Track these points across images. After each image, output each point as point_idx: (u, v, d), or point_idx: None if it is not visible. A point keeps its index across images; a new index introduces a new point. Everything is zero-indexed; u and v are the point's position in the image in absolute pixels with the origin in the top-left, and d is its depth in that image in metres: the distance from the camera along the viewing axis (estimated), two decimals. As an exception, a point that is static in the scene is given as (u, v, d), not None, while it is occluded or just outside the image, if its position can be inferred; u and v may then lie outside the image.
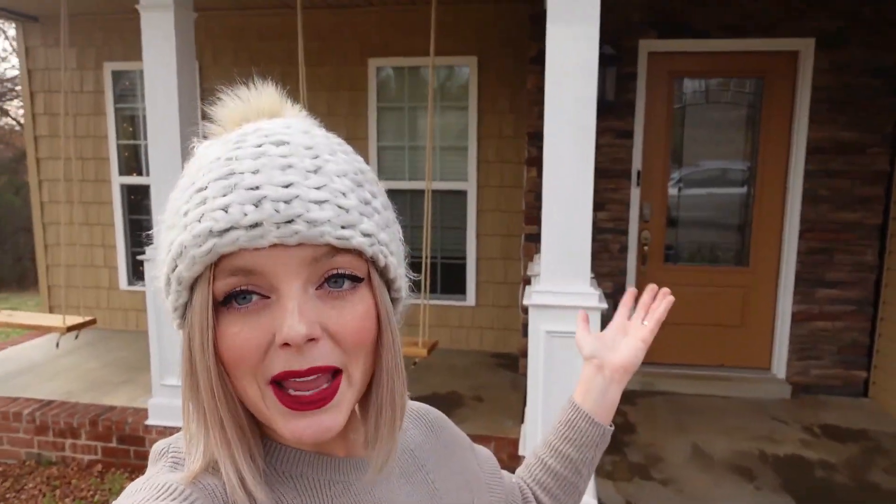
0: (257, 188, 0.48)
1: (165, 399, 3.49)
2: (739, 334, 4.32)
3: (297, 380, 0.49)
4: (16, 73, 13.35)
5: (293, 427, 0.50)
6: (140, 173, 5.21)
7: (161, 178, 3.26)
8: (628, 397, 4.09)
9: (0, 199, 11.37)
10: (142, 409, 3.67)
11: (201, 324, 0.49)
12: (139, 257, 4.01)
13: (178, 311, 0.52)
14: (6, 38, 13.25)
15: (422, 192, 4.16)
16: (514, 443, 3.31)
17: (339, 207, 0.50)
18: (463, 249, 4.87)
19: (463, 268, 4.89)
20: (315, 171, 0.50)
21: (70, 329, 4.00)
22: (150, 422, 3.55)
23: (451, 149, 4.81)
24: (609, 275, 4.25)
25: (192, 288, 0.50)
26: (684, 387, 4.20)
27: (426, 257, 3.71)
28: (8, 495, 3.39)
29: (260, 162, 0.49)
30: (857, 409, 3.98)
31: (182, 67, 3.21)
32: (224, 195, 0.48)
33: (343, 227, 0.49)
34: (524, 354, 3.97)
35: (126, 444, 3.60)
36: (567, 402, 0.89)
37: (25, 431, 3.69)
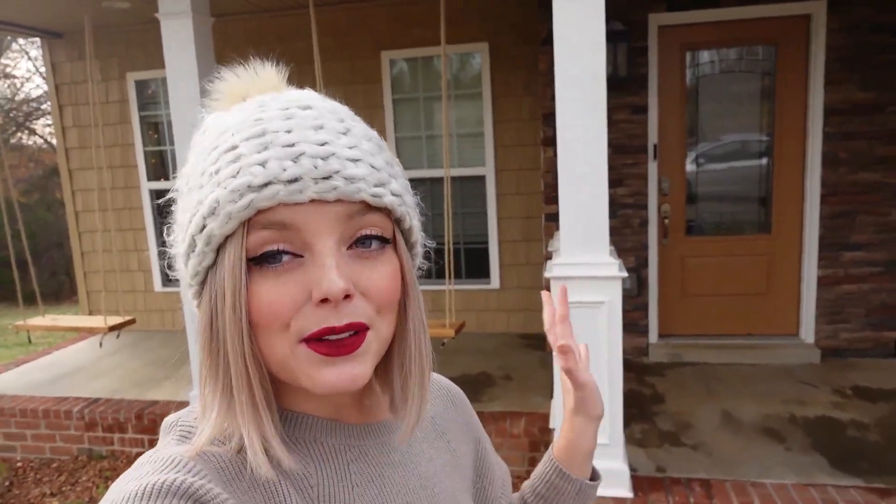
0: (293, 145, 0.48)
1: (206, 391, 3.61)
2: (765, 302, 4.33)
3: (332, 336, 0.49)
4: (40, 92, 13.74)
5: (324, 376, 0.49)
6: (167, 178, 5.37)
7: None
8: (656, 369, 4.14)
9: (33, 215, 11.71)
10: (184, 402, 3.82)
11: (234, 282, 0.48)
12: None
13: (198, 275, 0.51)
14: (29, 59, 13.63)
15: (441, 179, 4.23)
16: (545, 417, 3.38)
17: (372, 167, 0.51)
18: (485, 234, 4.94)
19: (486, 252, 4.96)
20: (345, 133, 0.51)
21: (112, 329, 4.17)
22: (192, 413, 3.69)
23: (467, 135, 4.88)
24: (632, 249, 4.28)
25: (218, 249, 0.49)
26: (712, 356, 4.22)
27: (449, 243, 3.78)
28: (64, 488, 3.57)
29: (292, 122, 0.50)
30: (888, 369, 3.96)
31: (203, 71, 3.31)
32: (259, 152, 0.48)
33: (376, 186, 0.51)
34: (550, 332, 4.02)
35: (171, 436, 3.75)
36: (549, 459, 0.82)
37: (76, 428, 3.87)
